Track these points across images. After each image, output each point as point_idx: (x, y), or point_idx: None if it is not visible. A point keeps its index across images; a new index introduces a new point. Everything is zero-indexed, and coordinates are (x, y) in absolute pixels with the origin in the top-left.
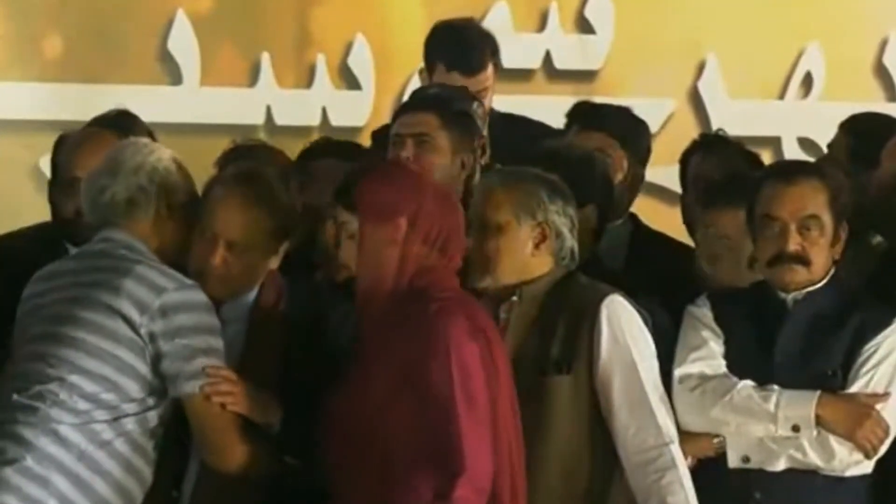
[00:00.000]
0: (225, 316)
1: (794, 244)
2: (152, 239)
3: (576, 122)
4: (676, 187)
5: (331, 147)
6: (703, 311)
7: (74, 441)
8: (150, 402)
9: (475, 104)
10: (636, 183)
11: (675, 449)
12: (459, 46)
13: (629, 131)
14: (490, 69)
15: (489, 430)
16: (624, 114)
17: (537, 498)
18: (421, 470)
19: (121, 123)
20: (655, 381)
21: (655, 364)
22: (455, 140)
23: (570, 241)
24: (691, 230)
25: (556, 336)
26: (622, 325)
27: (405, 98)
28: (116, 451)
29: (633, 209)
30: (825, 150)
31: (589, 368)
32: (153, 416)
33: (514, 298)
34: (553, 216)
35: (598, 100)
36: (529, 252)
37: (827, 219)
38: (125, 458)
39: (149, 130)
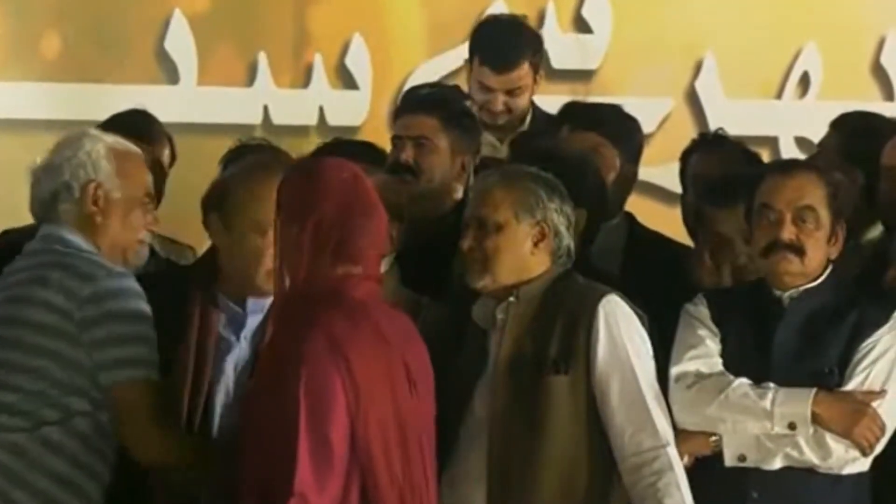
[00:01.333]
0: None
1: (788, 233)
2: (91, 233)
3: (567, 122)
4: (674, 187)
5: (345, 147)
6: (699, 309)
7: (20, 443)
8: (100, 397)
9: (468, 103)
10: (629, 181)
11: (672, 451)
12: (495, 42)
13: (621, 130)
14: (526, 68)
15: (339, 459)
16: (615, 112)
17: (536, 498)
18: (256, 483)
19: (138, 124)
20: (652, 382)
21: (652, 365)
22: (455, 141)
23: (568, 240)
24: (691, 230)
25: (554, 336)
26: (619, 325)
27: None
28: (65, 449)
29: (630, 209)
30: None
31: (586, 369)
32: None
33: (512, 299)
34: (552, 215)
35: (595, 99)
36: (528, 251)
37: (823, 213)
38: (75, 455)
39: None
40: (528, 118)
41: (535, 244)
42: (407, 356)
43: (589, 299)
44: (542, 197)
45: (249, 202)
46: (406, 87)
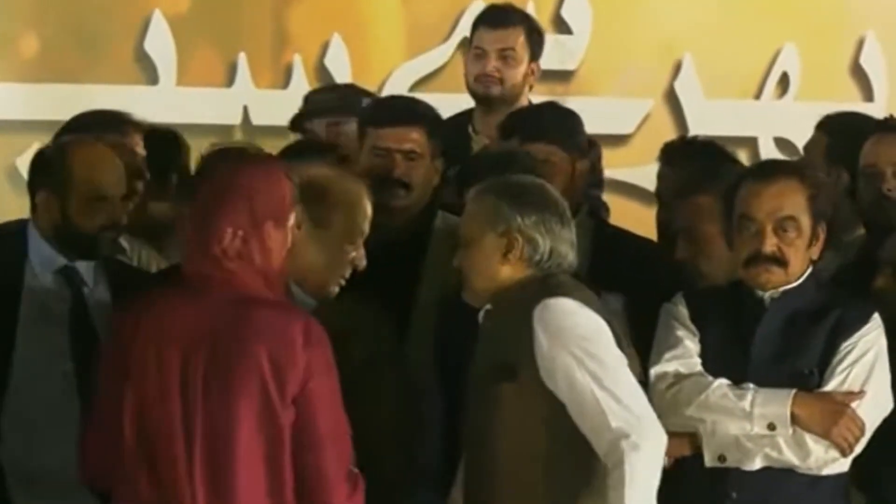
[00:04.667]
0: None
1: (770, 245)
2: None
3: (514, 134)
4: (653, 187)
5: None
6: (679, 309)
7: None
8: None
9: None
10: (583, 176)
11: (629, 442)
12: (494, 7)
13: (567, 132)
14: (522, 38)
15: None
16: (556, 114)
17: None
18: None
19: (113, 123)
20: (602, 375)
21: (606, 356)
22: (434, 148)
23: (547, 244)
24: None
25: (503, 342)
26: (553, 328)
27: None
28: None
29: (610, 209)
30: (801, 150)
31: (536, 374)
32: None
33: (489, 307)
34: (518, 224)
35: (574, 100)
36: (498, 262)
37: (804, 219)
38: None
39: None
40: None
41: (505, 255)
42: (200, 352)
43: (529, 303)
44: (503, 208)
45: None
46: (386, 87)
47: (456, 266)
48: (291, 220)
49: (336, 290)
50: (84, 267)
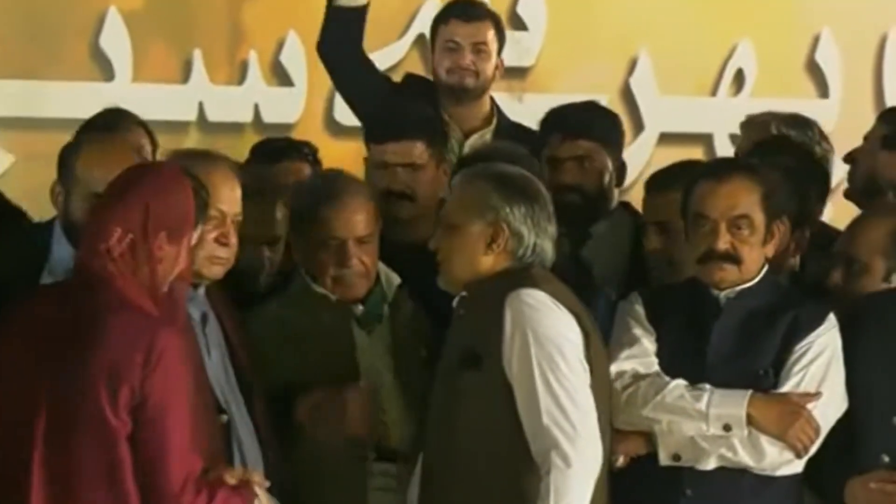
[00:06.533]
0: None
1: (723, 243)
2: None
3: (556, 130)
4: None
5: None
6: (635, 307)
7: None
8: None
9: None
10: (622, 176)
11: (559, 453)
12: (461, 3)
13: (610, 131)
14: (492, 33)
15: None
16: (600, 114)
17: (452, 495)
18: None
19: (112, 122)
20: (553, 379)
21: (563, 363)
22: (439, 154)
23: (532, 239)
24: None
25: (473, 331)
26: (521, 318)
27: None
28: None
29: None
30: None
31: (499, 364)
32: None
33: (464, 294)
34: (507, 215)
35: (530, 97)
36: (481, 251)
37: (758, 217)
38: None
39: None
40: (494, 124)
41: (489, 245)
42: (51, 355)
43: (503, 292)
44: (493, 198)
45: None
46: None
47: (433, 248)
48: (192, 237)
49: (216, 269)
50: None
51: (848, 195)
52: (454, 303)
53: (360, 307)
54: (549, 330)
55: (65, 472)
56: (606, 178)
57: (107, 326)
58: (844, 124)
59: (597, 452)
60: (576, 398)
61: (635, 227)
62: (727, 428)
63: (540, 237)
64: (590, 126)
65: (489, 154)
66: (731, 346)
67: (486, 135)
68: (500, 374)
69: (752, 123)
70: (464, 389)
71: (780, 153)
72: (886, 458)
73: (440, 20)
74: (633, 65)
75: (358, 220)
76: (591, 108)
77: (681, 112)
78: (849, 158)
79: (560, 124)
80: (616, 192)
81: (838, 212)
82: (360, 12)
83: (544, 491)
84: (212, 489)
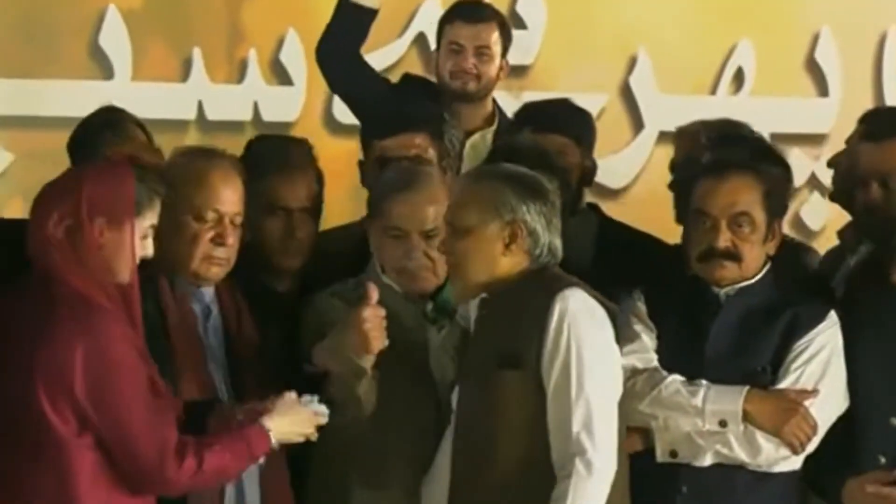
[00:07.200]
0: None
1: (724, 240)
2: None
3: (528, 124)
4: (609, 182)
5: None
6: (636, 304)
7: None
8: None
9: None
10: (591, 174)
11: (583, 460)
12: (468, 3)
13: (581, 128)
14: (496, 34)
15: None
16: (572, 110)
17: (490, 494)
18: None
19: (110, 119)
20: (590, 388)
21: (606, 365)
22: (442, 149)
23: (547, 238)
24: None
25: (513, 331)
26: (570, 321)
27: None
28: None
29: None
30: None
31: (538, 366)
32: None
33: (485, 295)
34: (523, 214)
35: (529, 95)
36: (499, 252)
37: (759, 215)
38: None
39: (139, 123)
40: (495, 123)
41: (507, 245)
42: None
43: (547, 292)
44: (509, 197)
45: (186, 186)
46: None
47: (441, 253)
48: (138, 225)
49: (214, 270)
50: None
51: (833, 197)
52: (471, 307)
53: (430, 303)
54: (595, 338)
55: (11, 479)
56: (576, 176)
57: (51, 323)
58: (844, 124)
59: (614, 461)
60: (606, 409)
61: (600, 230)
62: (723, 424)
63: (553, 236)
64: (561, 122)
65: (520, 148)
66: (730, 344)
67: (487, 134)
68: (537, 374)
69: (683, 134)
70: (502, 390)
71: (740, 146)
72: (883, 460)
73: (446, 20)
74: (632, 63)
75: (426, 213)
76: (564, 104)
77: (680, 111)
78: (832, 163)
79: (532, 119)
80: (615, 192)
81: (838, 212)
82: (370, 15)
83: (560, 494)
84: (198, 453)
